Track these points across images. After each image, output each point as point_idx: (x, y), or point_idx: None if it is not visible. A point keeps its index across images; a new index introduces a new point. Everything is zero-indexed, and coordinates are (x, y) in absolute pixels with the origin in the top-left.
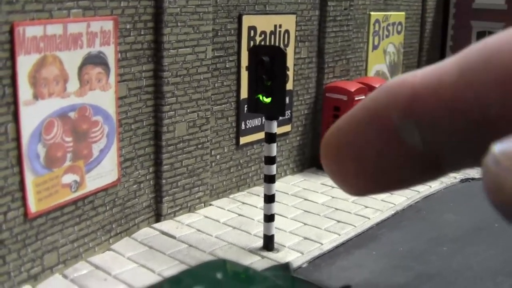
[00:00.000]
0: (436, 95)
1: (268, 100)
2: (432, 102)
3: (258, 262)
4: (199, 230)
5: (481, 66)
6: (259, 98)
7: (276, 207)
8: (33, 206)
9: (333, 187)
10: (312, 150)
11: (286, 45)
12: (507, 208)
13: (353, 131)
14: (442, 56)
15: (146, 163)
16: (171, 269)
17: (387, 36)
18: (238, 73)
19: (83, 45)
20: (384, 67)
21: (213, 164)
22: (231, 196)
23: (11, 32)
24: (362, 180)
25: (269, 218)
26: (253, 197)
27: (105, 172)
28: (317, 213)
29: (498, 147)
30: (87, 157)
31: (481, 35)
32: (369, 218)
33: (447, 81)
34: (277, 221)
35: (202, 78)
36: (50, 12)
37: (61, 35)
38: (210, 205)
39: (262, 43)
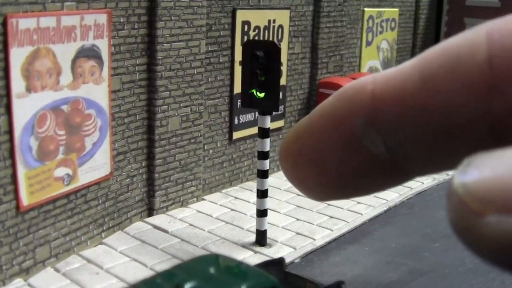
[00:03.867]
0: (399, 102)
1: (262, 95)
2: (395, 110)
3: (250, 257)
4: (191, 225)
5: (444, 73)
6: (253, 93)
7: (268, 202)
8: (25, 199)
9: None
10: None
11: (280, 40)
12: (475, 247)
13: (312, 138)
14: None
15: (139, 157)
16: (163, 263)
17: (381, 32)
18: (232, 67)
19: (77, 38)
20: (378, 63)
21: (206, 158)
22: (224, 191)
23: (4, 24)
24: (323, 186)
25: (261, 213)
26: (246, 192)
27: (97, 166)
28: (309, 209)
29: (459, 179)
30: (80, 151)
31: None
32: (361, 214)
33: (409, 89)
34: (270, 216)
35: (195, 72)
36: (44, 4)
37: (54, 27)
38: (203, 199)
39: (256, 38)
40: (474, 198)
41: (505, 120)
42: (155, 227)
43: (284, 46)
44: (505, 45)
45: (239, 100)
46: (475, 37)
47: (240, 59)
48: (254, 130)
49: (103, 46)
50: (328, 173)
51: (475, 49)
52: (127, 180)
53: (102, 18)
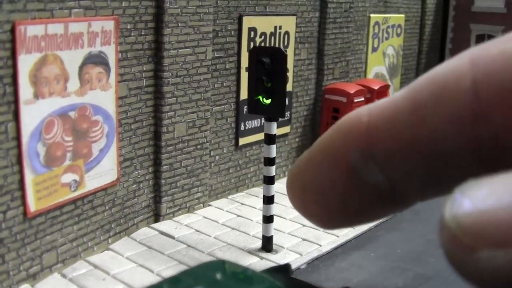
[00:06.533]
0: (391, 133)
1: (268, 101)
2: (388, 141)
3: (256, 263)
4: (197, 231)
5: (431, 103)
6: (259, 99)
7: (274, 208)
8: (33, 205)
9: None
10: None
11: (286, 47)
12: (470, 280)
13: (313, 173)
14: (441, 58)
15: (146, 163)
16: (169, 269)
17: (387, 38)
18: (238, 74)
19: (84, 44)
20: (384, 69)
21: (212, 164)
22: (230, 196)
23: (13, 31)
24: (328, 217)
25: (268, 219)
26: (252, 198)
27: (104, 172)
28: None
29: (450, 211)
30: (87, 157)
31: (480, 38)
32: None
33: (401, 119)
34: (276, 222)
35: (202, 78)
36: (52, 11)
37: (62, 34)
38: (209, 205)
39: (262, 44)
40: (465, 233)
41: (492, 146)
42: (162, 233)
43: (290, 52)
44: (489, 72)
45: (245, 106)
46: (459, 64)
47: (246, 65)
48: (260, 136)
49: (110, 52)
50: (332, 205)
51: (460, 76)
52: (133, 186)
53: (109, 25)
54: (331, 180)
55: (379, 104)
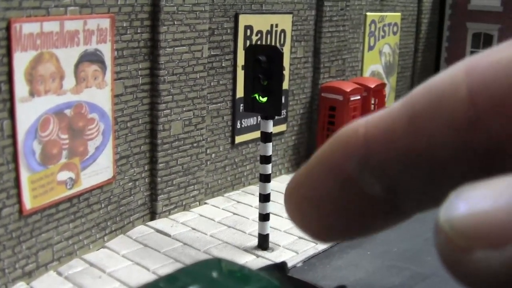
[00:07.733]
0: (388, 144)
1: (264, 99)
2: (385, 152)
3: (252, 261)
4: (194, 229)
5: (428, 112)
6: (255, 97)
7: (271, 206)
8: (28, 203)
9: None
10: (307, 149)
11: (282, 45)
12: (465, 282)
13: (312, 185)
14: (437, 57)
15: (142, 161)
16: (165, 267)
17: (383, 37)
18: (234, 72)
19: (80, 42)
20: (380, 67)
21: (208, 162)
22: (226, 195)
23: (8, 28)
24: (326, 230)
25: (264, 217)
26: (248, 196)
27: (100, 170)
28: None
29: (445, 214)
30: (83, 155)
31: (476, 36)
32: None
33: (397, 129)
34: (272, 220)
35: (198, 76)
36: (47, 9)
37: (58, 32)
38: (205, 203)
39: (259, 42)
40: (460, 235)
41: (488, 154)
42: (158, 231)
43: (286, 51)
44: (484, 81)
45: (241, 104)
46: (455, 74)
47: (243, 63)
48: (256, 134)
49: (106, 50)
50: (330, 217)
51: (456, 86)
52: (129, 184)
53: (105, 23)
54: (329, 193)
55: (376, 115)
